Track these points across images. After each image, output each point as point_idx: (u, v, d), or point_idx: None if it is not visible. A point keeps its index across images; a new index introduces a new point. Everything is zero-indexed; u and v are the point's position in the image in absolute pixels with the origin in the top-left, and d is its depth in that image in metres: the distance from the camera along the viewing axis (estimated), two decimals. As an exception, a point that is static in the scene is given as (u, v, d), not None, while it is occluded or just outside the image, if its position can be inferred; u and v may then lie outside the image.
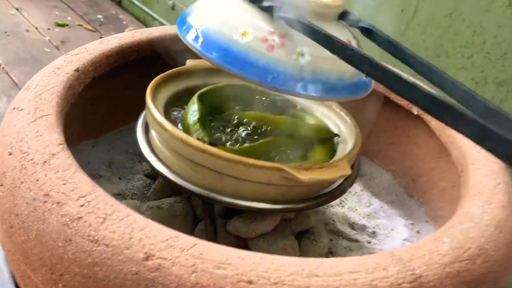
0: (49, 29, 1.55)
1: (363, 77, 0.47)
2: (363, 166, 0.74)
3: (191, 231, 0.54)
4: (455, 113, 0.33)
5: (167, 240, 0.34)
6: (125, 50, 0.61)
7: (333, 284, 0.33)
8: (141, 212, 0.54)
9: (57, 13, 1.67)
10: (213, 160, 0.44)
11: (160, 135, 0.47)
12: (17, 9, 1.64)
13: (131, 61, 0.63)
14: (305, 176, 0.43)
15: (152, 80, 0.54)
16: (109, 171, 0.64)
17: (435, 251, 0.38)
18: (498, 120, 0.37)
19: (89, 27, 1.61)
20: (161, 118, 0.47)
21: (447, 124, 0.34)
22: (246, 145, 0.49)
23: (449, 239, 0.39)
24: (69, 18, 1.65)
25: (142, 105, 0.53)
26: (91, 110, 0.65)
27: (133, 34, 0.63)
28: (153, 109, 0.48)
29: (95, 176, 0.63)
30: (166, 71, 0.59)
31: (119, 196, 0.60)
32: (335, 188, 0.50)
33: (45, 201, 0.37)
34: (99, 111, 0.66)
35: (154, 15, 1.61)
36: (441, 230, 0.41)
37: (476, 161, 0.50)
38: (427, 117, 0.61)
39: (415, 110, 0.63)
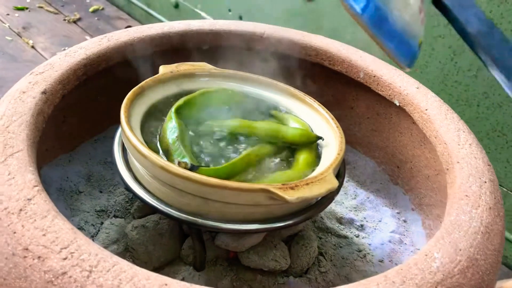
0: (8, 14, 1.47)
1: (417, 47, 0.43)
2: (346, 155, 0.74)
3: (179, 247, 0.53)
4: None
5: (157, 290, 0.33)
6: (93, 61, 0.58)
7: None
8: (126, 233, 0.53)
9: (15, -5, 1.58)
10: (197, 186, 0.42)
11: (139, 161, 0.45)
12: (-28, -4, 1.55)
13: (101, 70, 0.60)
14: (292, 196, 0.42)
15: (124, 85, 0.52)
16: (89, 185, 0.62)
17: (427, 269, 0.38)
18: None
19: (51, 9, 1.53)
20: (138, 143, 0.45)
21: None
22: (228, 162, 0.48)
23: (439, 254, 0.39)
24: (28, 0, 1.56)
25: (117, 110, 0.50)
26: (64, 122, 0.62)
27: (100, 42, 0.59)
28: (129, 133, 0.46)
29: (75, 192, 0.61)
30: (138, 75, 0.57)
31: (102, 213, 0.58)
32: (323, 198, 0.50)
33: (25, 256, 0.35)
34: (73, 122, 0.63)
35: (119, -10, 1.54)
36: (431, 243, 0.41)
37: (461, 159, 0.50)
38: (409, 109, 0.60)
39: (397, 102, 0.62)
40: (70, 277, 0.34)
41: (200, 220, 0.44)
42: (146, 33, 0.63)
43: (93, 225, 0.56)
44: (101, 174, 0.64)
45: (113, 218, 0.57)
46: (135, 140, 0.45)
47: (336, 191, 0.51)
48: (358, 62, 0.65)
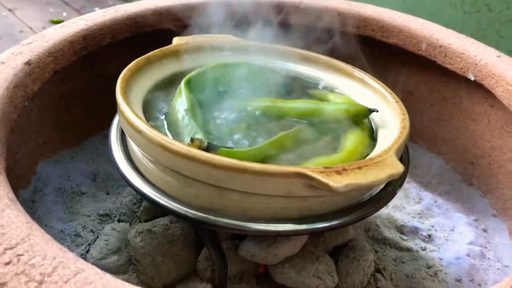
0: (44, 27, 1.44)
1: None
2: (405, 151, 0.60)
3: (194, 259, 0.42)
4: None
5: (133, 311, 0.22)
6: (95, 33, 0.48)
7: None
8: (128, 240, 0.42)
9: (51, 10, 1.57)
10: (206, 170, 0.31)
11: (134, 140, 0.35)
12: (9, 10, 1.54)
13: (107, 46, 0.51)
14: (339, 183, 0.30)
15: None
16: (93, 186, 0.52)
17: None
18: None
19: (86, 21, 1.50)
20: (133, 117, 0.34)
21: None
22: (256, 145, 0.36)
23: None
24: (64, 14, 1.54)
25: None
26: (66, 110, 0.53)
27: (104, 13, 0.50)
28: (124, 106, 0.35)
29: (77, 193, 0.51)
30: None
31: (106, 217, 0.48)
32: (380, 191, 0.37)
33: (-45, 260, 0.25)
34: (77, 111, 0.54)
35: (154, 0, 1.48)
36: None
37: None
38: (489, 83, 0.47)
39: (472, 75, 0.49)
40: (11, 289, 0.23)
41: (212, 218, 0.33)
42: (161, 4, 0.53)
43: (92, 231, 0.46)
44: (109, 173, 0.54)
45: (117, 222, 0.46)
46: (129, 112, 0.35)
47: (400, 182, 0.38)
48: (418, 31, 0.52)
